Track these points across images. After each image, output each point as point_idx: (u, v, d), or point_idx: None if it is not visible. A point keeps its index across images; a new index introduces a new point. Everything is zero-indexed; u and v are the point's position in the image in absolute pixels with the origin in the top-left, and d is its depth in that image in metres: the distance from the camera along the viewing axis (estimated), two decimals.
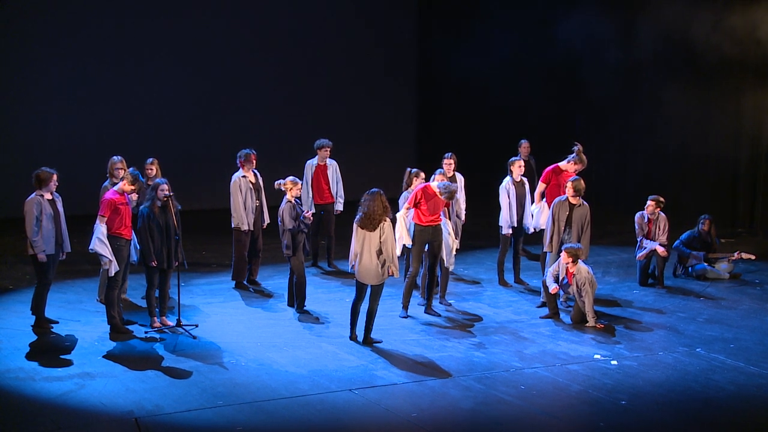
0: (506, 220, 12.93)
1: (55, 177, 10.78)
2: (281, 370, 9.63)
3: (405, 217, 11.55)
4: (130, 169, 11.07)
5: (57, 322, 10.97)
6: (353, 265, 10.52)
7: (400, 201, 12.20)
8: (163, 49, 18.93)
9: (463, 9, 20.72)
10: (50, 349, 10.25)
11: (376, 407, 8.76)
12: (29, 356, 9.97)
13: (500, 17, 20.07)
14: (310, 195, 14.01)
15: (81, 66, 18.29)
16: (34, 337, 10.60)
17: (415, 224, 11.49)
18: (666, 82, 17.90)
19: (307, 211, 11.83)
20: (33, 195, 10.74)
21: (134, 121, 18.68)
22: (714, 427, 8.60)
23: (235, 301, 12.41)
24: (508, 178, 13.05)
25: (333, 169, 14.20)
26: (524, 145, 15.32)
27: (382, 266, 10.35)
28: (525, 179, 13.19)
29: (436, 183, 11.51)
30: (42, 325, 10.87)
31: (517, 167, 13.02)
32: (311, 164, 14.14)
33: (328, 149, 14.11)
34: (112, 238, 10.65)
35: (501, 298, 12.68)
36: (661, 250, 13.04)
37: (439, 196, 11.35)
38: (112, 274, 10.61)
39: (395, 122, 21.34)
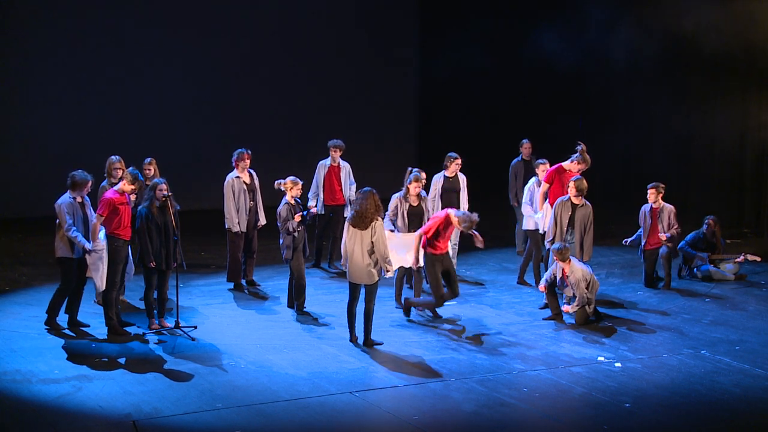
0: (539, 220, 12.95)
1: (89, 183, 10.77)
2: (281, 372, 9.55)
3: (417, 239, 11.16)
4: (129, 168, 10.98)
5: (64, 328, 10.90)
6: (344, 264, 10.46)
7: (391, 204, 11.97)
8: (164, 49, 18.87)
9: (464, 8, 20.64)
10: (47, 351, 10.15)
11: (377, 410, 8.68)
12: (26, 358, 9.86)
13: (502, 16, 19.99)
14: (321, 195, 13.88)
15: (79, 66, 18.22)
16: (31, 339, 10.50)
17: (430, 254, 11.18)
18: (670, 82, 17.81)
19: (297, 215, 11.58)
20: (67, 197, 10.64)
21: (133, 121, 18.61)
22: (719, 430, 8.50)
23: (234, 302, 12.33)
24: (533, 179, 13.23)
25: (345, 171, 14.05)
26: (526, 145, 15.25)
27: (374, 265, 10.26)
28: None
29: (454, 211, 11.11)
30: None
31: (542, 170, 13.11)
32: (324, 164, 13.99)
33: (338, 150, 13.93)
34: (110, 238, 10.59)
35: (503, 299, 12.59)
36: (662, 237, 12.93)
37: (458, 226, 11.08)
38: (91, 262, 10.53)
39: (395, 122, 21.27)
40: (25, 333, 10.71)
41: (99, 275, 10.60)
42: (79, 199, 10.71)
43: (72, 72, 18.17)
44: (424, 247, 11.10)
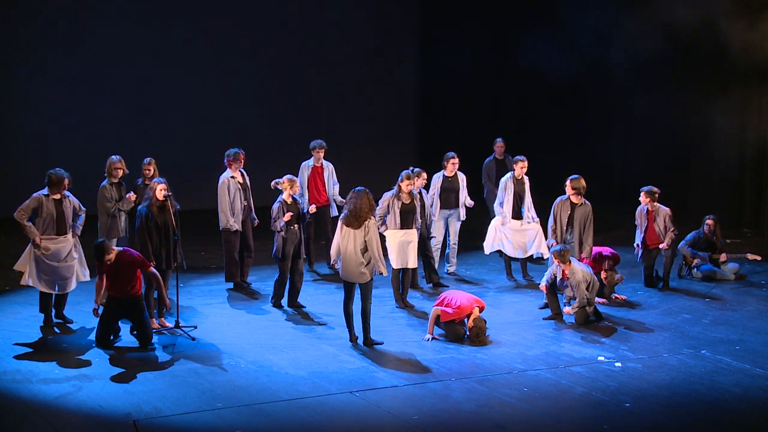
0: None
1: (66, 181, 10.80)
2: (281, 372, 9.55)
3: (434, 317, 10.81)
4: (98, 239, 10.60)
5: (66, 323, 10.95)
6: (335, 262, 10.44)
7: (382, 202, 12.02)
8: (163, 48, 18.86)
9: (464, 8, 20.63)
10: (47, 350, 10.16)
11: (377, 410, 8.67)
12: (26, 358, 9.88)
13: (502, 17, 19.98)
14: (306, 196, 13.88)
15: (79, 66, 18.22)
16: (31, 339, 10.51)
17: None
18: (670, 82, 17.79)
19: (287, 214, 11.52)
20: (40, 192, 10.80)
21: (133, 121, 18.60)
22: (719, 429, 8.51)
23: (234, 302, 12.33)
24: (508, 175, 13.39)
25: (329, 171, 14.06)
26: (498, 144, 15.30)
27: (367, 264, 10.27)
28: (526, 177, 13.39)
29: (478, 312, 10.68)
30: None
31: (519, 167, 13.29)
32: (307, 165, 14.00)
33: (322, 150, 13.95)
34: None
35: (503, 299, 12.60)
36: (663, 247, 12.98)
37: (470, 323, 10.66)
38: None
39: (395, 122, 21.26)
40: (25, 333, 10.71)
41: (28, 271, 10.70)
42: (57, 196, 10.74)
43: (72, 72, 18.16)
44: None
